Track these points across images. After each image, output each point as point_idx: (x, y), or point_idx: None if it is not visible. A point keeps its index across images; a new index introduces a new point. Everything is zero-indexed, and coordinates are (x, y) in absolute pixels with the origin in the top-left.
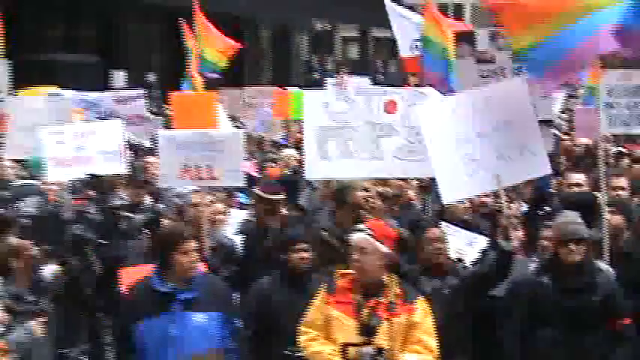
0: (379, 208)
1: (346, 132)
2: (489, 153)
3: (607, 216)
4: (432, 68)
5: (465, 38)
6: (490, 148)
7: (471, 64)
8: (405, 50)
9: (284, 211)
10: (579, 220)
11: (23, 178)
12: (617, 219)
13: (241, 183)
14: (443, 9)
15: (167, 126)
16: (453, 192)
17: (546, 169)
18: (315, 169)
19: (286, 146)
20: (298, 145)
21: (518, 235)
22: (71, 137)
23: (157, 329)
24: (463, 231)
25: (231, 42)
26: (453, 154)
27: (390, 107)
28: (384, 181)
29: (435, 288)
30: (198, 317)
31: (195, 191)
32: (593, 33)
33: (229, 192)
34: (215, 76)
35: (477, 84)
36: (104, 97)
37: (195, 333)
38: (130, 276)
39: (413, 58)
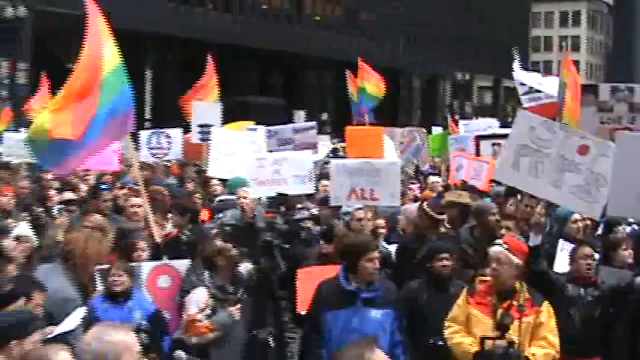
0: (511, 226)
1: (540, 155)
2: None
3: None
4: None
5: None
6: None
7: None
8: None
9: (442, 229)
10: None
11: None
12: None
13: (398, 203)
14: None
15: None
16: (620, 210)
17: None
18: (503, 174)
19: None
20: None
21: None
22: (270, 162)
23: (341, 320)
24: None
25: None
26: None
27: (583, 150)
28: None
29: (580, 295)
30: (377, 313)
31: (359, 209)
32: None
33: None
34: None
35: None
36: (286, 128)
37: (374, 326)
38: (306, 274)
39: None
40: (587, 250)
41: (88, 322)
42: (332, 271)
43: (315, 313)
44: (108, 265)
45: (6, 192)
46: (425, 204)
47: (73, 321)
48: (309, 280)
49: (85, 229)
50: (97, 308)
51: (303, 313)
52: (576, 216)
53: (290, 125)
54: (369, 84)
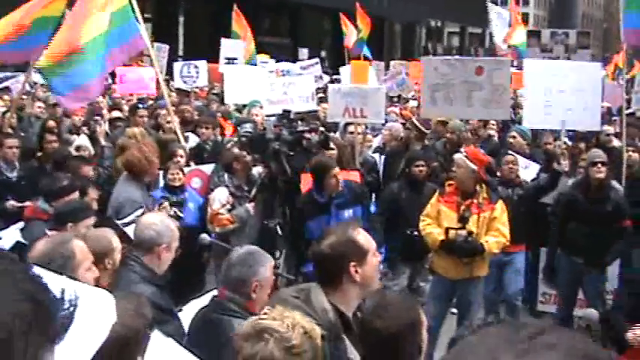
0: (470, 139)
1: (448, 87)
2: (564, 104)
3: (626, 154)
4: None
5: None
6: (566, 101)
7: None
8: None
9: (426, 141)
10: (603, 154)
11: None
12: (635, 155)
13: (382, 121)
14: None
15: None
16: (533, 123)
17: (596, 126)
18: (426, 111)
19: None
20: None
21: (565, 162)
22: (280, 85)
23: (321, 225)
24: (522, 158)
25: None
26: (539, 99)
27: (479, 71)
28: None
29: (508, 195)
30: (349, 212)
31: (350, 124)
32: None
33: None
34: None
35: None
36: (294, 66)
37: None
38: (308, 178)
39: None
40: (510, 157)
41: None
42: None
43: (298, 222)
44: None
45: (78, 112)
46: (414, 118)
47: (132, 216)
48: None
49: (136, 148)
50: (158, 199)
51: None
52: (513, 133)
53: (298, 63)
54: (362, 27)
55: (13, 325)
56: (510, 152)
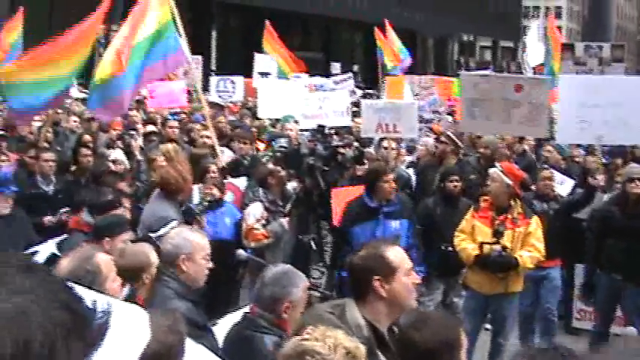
0: (505, 154)
1: (487, 103)
2: (600, 119)
3: None
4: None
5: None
6: (602, 115)
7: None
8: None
9: (460, 156)
10: None
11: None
12: None
13: (415, 136)
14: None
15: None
16: (566, 138)
17: (637, 141)
18: (465, 125)
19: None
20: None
21: (600, 177)
22: (315, 100)
23: (367, 231)
24: (558, 174)
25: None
26: (573, 114)
27: (518, 88)
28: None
29: (544, 210)
30: (395, 223)
31: (384, 139)
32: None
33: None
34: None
35: None
36: (328, 81)
37: (392, 233)
38: (338, 193)
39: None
40: (547, 172)
41: None
42: (359, 190)
43: (344, 227)
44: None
45: (116, 126)
46: (450, 132)
47: (163, 230)
48: (341, 199)
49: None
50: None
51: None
52: (549, 147)
53: (331, 78)
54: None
55: (55, 334)
56: (546, 167)
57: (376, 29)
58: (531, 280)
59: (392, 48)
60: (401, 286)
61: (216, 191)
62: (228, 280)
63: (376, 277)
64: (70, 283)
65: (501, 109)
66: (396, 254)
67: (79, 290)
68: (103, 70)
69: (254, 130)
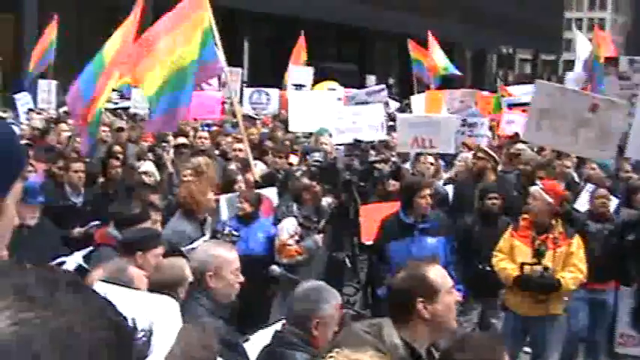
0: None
1: (557, 116)
2: None
3: None
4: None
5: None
6: None
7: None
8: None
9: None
10: None
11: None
12: None
13: (452, 151)
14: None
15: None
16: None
17: None
18: (529, 135)
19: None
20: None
21: None
22: (349, 114)
23: (402, 249)
24: None
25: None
26: None
27: (594, 107)
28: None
29: (598, 229)
30: (432, 241)
31: (420, 154)
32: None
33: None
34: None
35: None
36: (361, 92)
37: (429, 252)
38: (368, 210)
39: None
40: (603, 191)
41: None
42: (390, 207)
43: (380, 244)
44: (237, 194)
45: (147, 138)
46: (486, 147)
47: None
48: (370, 215)
49: (191, 182)
50: (232, 227)
51: (367, 242)
52: (593, 165)
53: (364, 89)
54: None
55: (102, 354)
56: (592, 185)
57: (410, 41)
58: (585, 303)
59: (431, 59)
60: (444, 306)
61: (247, 205)
62: (259, 296)
63: (420, 300)
64: (113, 302)
65: (570, 126)
66: (438, 273)
67: (124, 307)
68: (153, 82)
69: (287, 143)
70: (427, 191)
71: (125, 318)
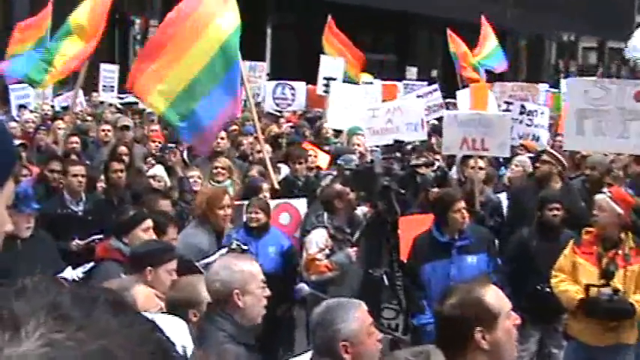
0: (619, 177)
1: (600, 114)
2: None
3: None
4: None
5: None
6: None
7: None
8: None
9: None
10: None
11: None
12: None
13: (507, 154)
14: None
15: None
16: None
17: None
18: (571, 143)
19: None
20: None
21: None
22: (383, 112)
23: (440, 270)
24: None
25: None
26: None
27: (638, 95)
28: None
29: None
30: (472, 259)
31: (469, 157)
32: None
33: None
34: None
35: None
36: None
37: (471, 272)
38: (407, 223)
39: None
40: None
41: None
42: (430, 219)
43: (413, 266)
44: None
45: (155, 137)
46: (553, 149)
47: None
48: (411, 227)
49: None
50: (240, 240)
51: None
52: None
53: (414, 92)
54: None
55: None
56: None
57: (448, 30)
58: None
59: (463, 52)
60: (504, 333)
61: (262, 215)
62: (278, 319)
63: (478, 329)
64: (160, 326)
65: (618, 122)
66: (494, 295)
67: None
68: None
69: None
70: (462, 204)
71: (173, 344)
